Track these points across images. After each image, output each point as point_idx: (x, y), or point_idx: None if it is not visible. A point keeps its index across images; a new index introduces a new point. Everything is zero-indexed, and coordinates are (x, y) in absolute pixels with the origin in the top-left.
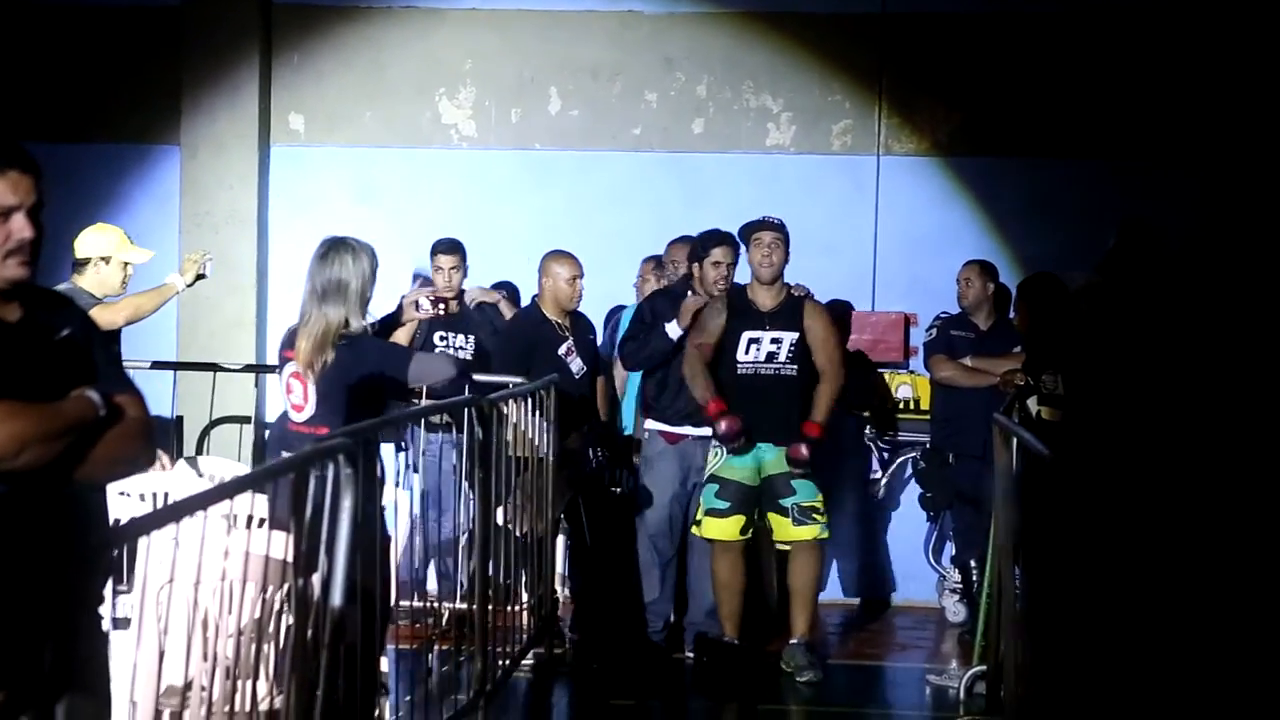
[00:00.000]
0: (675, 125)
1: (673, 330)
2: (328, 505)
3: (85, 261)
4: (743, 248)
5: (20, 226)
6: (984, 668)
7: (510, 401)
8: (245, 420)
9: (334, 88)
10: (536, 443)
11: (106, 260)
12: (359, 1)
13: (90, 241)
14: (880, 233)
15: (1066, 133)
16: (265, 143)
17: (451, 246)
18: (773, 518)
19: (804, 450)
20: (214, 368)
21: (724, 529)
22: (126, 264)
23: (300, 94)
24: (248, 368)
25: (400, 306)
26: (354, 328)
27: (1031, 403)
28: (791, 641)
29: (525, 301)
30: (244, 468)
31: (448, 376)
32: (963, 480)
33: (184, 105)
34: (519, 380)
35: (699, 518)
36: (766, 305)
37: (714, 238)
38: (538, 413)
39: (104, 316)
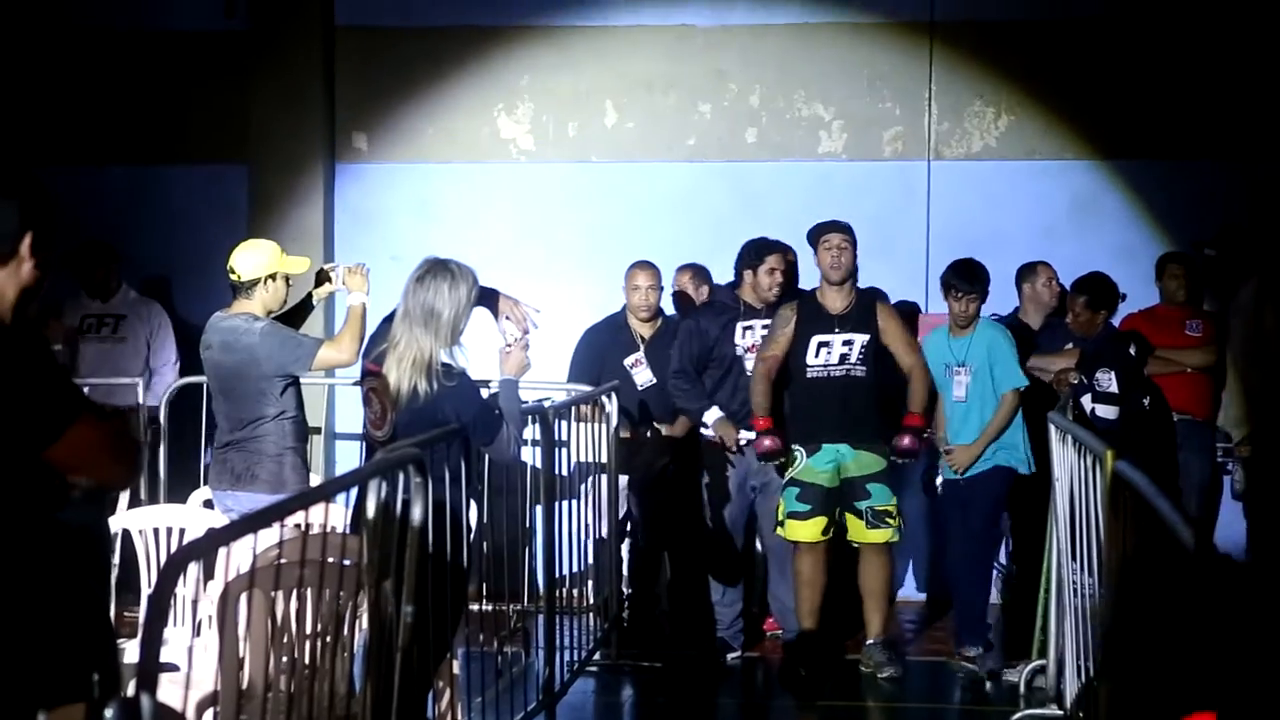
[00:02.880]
0: (729, 135)
1: (710, 416)
2: (398, 513)
3: (254, 283)
4: (812, 251)
5: None
6: (1043, 661)
7: (572, 409)
8: (316, 431)
9: (396, 106)
10: (596, 449)
11: (274, 277)
12: (419, 22)
13: (253, 261)
14: (932, 236)
15: (1113, 135)
16: (330, 161)
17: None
18: (849, 519)
19: (907, 441)
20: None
21: (807, 531)
22: (288, 277)
23: (363, 113)
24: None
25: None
26: (454, 364)
27: (1086, 400)
28: (869, 641)
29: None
30: (316, 477)
31: (512, 456)
32: None
33: (251, 126)
34: (584, 388)
35: (781, 519)
36: (836, 308)
37: (767, 246)
38: (596, 421)
39: (339, 357)
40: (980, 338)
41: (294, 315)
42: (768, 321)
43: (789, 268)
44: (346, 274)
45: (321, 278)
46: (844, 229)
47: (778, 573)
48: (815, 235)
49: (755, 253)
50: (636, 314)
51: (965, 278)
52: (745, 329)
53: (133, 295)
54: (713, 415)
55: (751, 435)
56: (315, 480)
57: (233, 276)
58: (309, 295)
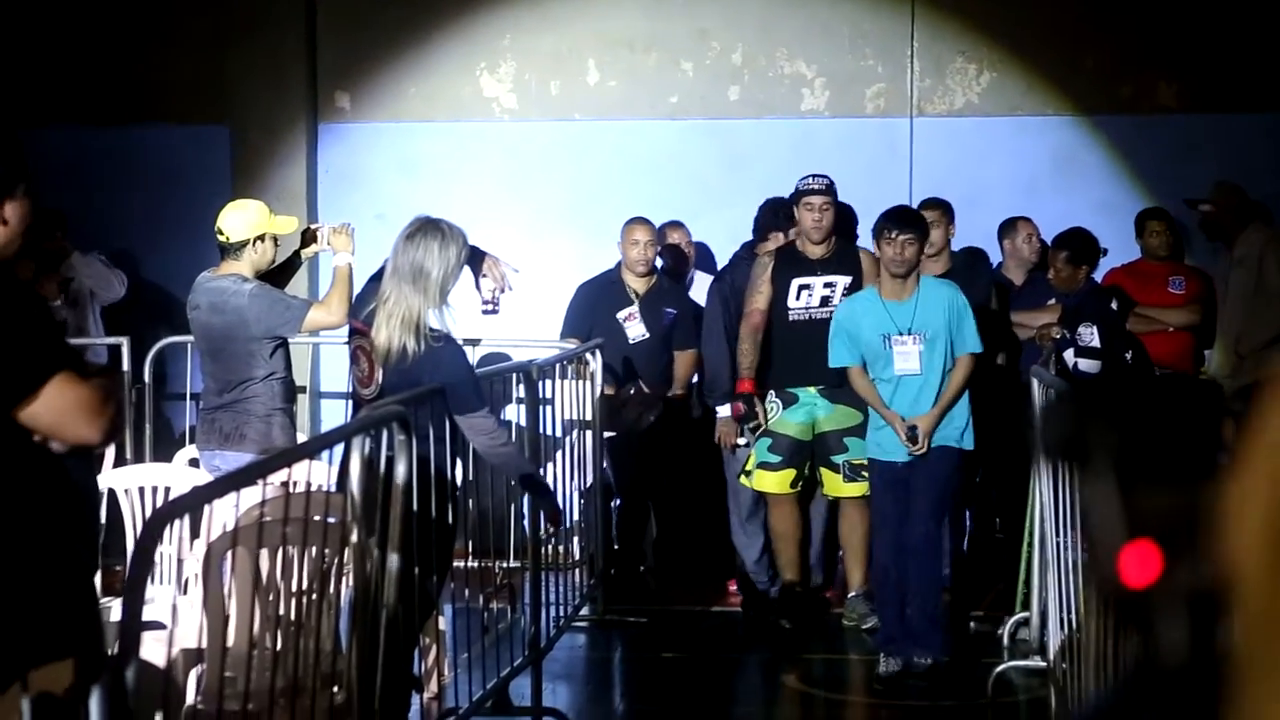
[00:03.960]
0: (712, 93)
1: (721, 411)
2: (382, 470)
3: (243, 244)
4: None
5: None
6: (1026, 614)
7: (555, 367)
8: (302, 391)
9: (378, 65)
10: (580, 406)
11: (261, 238)
12: None
13: (241, 222)
14: (915, 193)
15: (1094, 90)
16: (313, 120)
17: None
18: (824, 473)
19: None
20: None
21: (775, 482)
22: (276, 237)
23: (345, 72)
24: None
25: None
26: (442, 327)
27: (1068, 355)
28: (851, 594)
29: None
30: (302, 436)
31: (491, 448)
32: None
33: (231, 86)
34: (572, 344)
35: (749, 469)
36: (815, 254)
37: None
38: (581, 379)
39: (328, 319)
40: (933, 299)
41: (280, 274)
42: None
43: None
44: (332, 234)
45: (308, 238)
46: (825, 190)
47: (738, 523)
48: (797, 195)
49: (786, 214)
50: (634, 269)
51: (897, 219)
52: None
53: (75, 256)
54: (722, 412)
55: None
56: (302, 439)
57: (220, 237)
58: (295, 254)
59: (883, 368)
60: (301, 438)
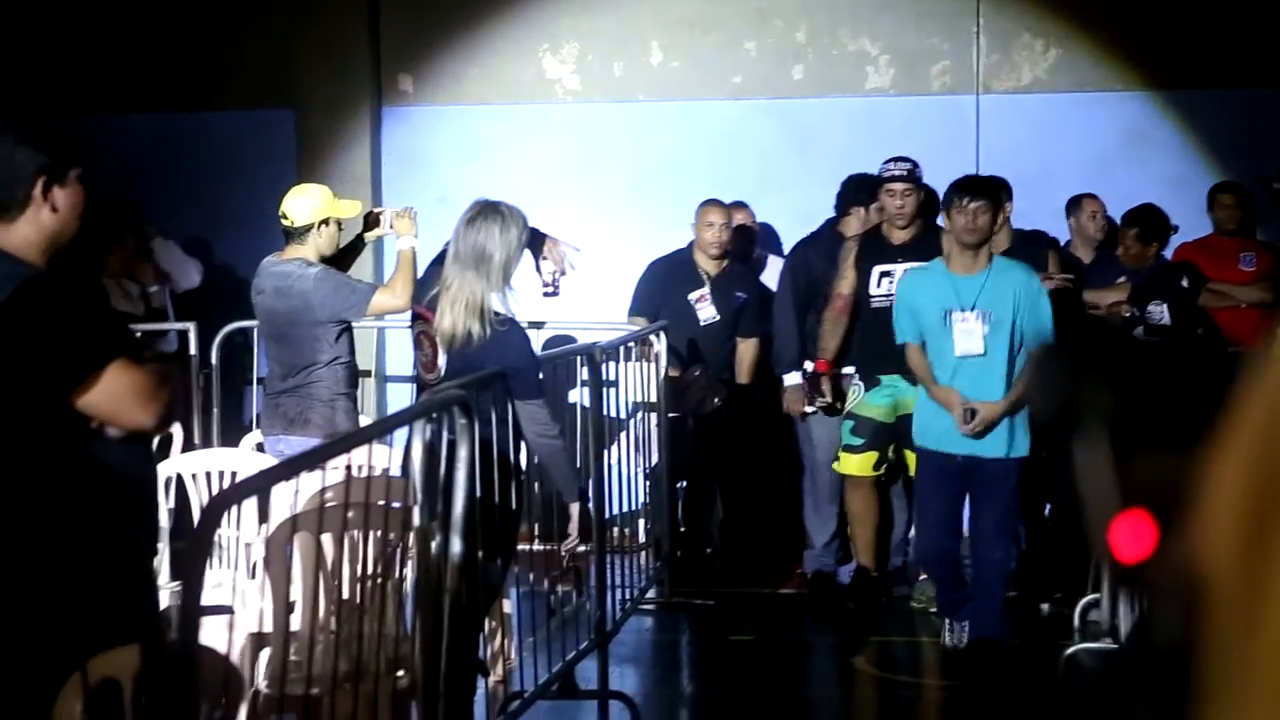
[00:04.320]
0: (775, 72)
1: (788, 380)
2: (445, 455)
3: (307, 229)
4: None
5: None
6: (1097, 595)
7: (619, 349)
8: (366, 375)
9: (441, 48)
10: (645, 388)
11: (326, 222)
12: None
13: (305, 206)
14: (981, 170)
15: (1164, 65)
16: (377, 104)
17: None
18: (908, 454)
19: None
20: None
21: (858, 464)
22: (340, 221)
23: (409, 55)
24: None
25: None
26: (506, 311)
27: (1139, 333)
28: (921, 577)
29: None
30: (367, 420)
31: (541, 438)
32: None
33: (297, 70)
34: (637, 325)
35: (837, 454)
36: (899, 239)
37: (880, 182)
38: (645, 360)
39: (393, 302)
40: (1004, 279)
41: (344, 258)
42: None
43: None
44: (395, 218)
45: (371, 221)
46: (908, 176)
47: (812, 505)
48: (880, 180)
49: (869, 190)
50: (707, 251)
51: (967, 187)
52: None
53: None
54: (790, 380)
55: (851, 370)
56: (366, 424)
57: (285, 222)
58: (358, 237)
59: (942, 347)
60: (366, 422)
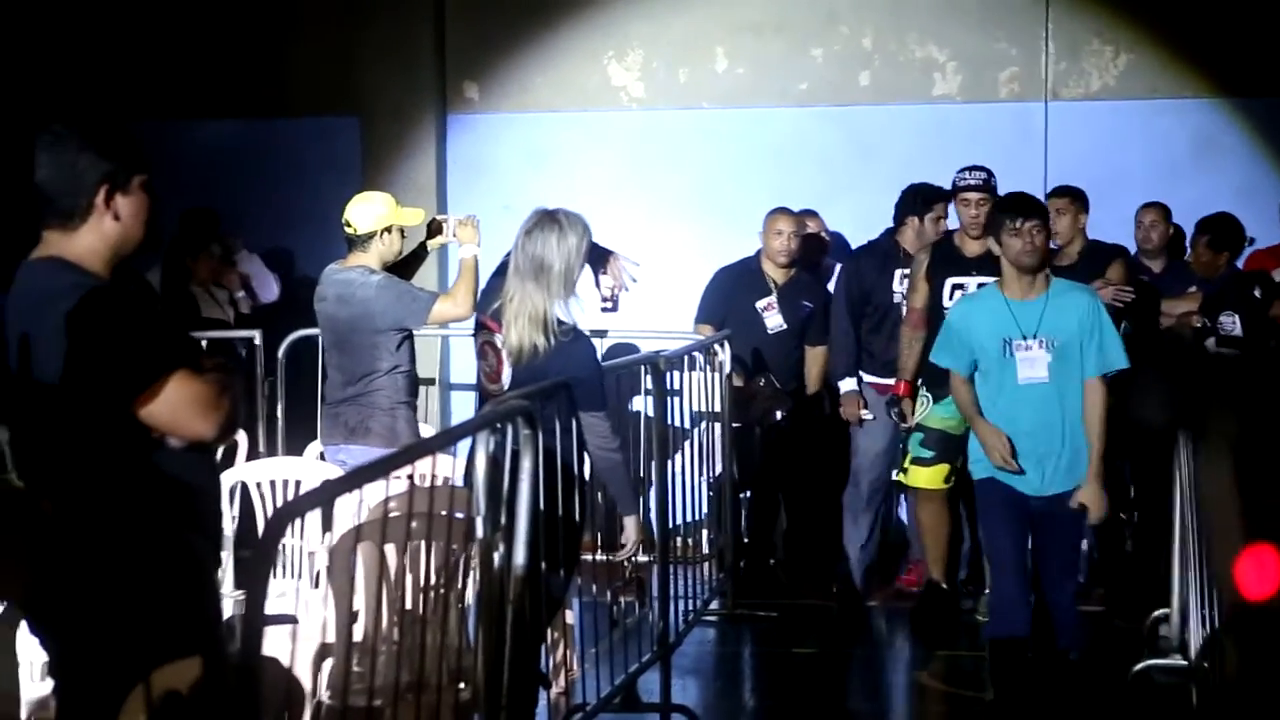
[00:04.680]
0: (841, 79)
1: (844, 386)
2: (508, 465)
3: (370, 236)
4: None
5: None
6: (1166, 610)
7: (684, 358)
8: (430, 383)
9: (506, 55)
10: (709, 398)
11: (389, 230)
12: None
13: (368, 214)
14: (1050, 179)
15: (1235, 71)
16: (441, 111)
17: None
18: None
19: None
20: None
21: (928, 477)
22: (403, 229)
23: (474, 62)
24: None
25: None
26: (570, 321)
27: (1210, 344)
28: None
29: None
30: (430, 429)
31: (601, 450)
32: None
33: (362, 77)
34: (701, 334)
35: (905, 466)
36: (973, 251)
37: (936, 193)
38: (709, 369)
39: (454, 311)
40: (1067, 302)
41: (407, 266)
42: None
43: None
44: (458, 226)
45: (434, 229)
46: (983, 186)
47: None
48: (955, 189)
49: (923, 200)
50: (775, 259)
51: (1020, 206)
52: (904, 276)
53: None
54: (846, 386)
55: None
56: (427, 432)
57: (348, 229)
58: (421, 245)
59: (1003, 377)
60: (429, 430)
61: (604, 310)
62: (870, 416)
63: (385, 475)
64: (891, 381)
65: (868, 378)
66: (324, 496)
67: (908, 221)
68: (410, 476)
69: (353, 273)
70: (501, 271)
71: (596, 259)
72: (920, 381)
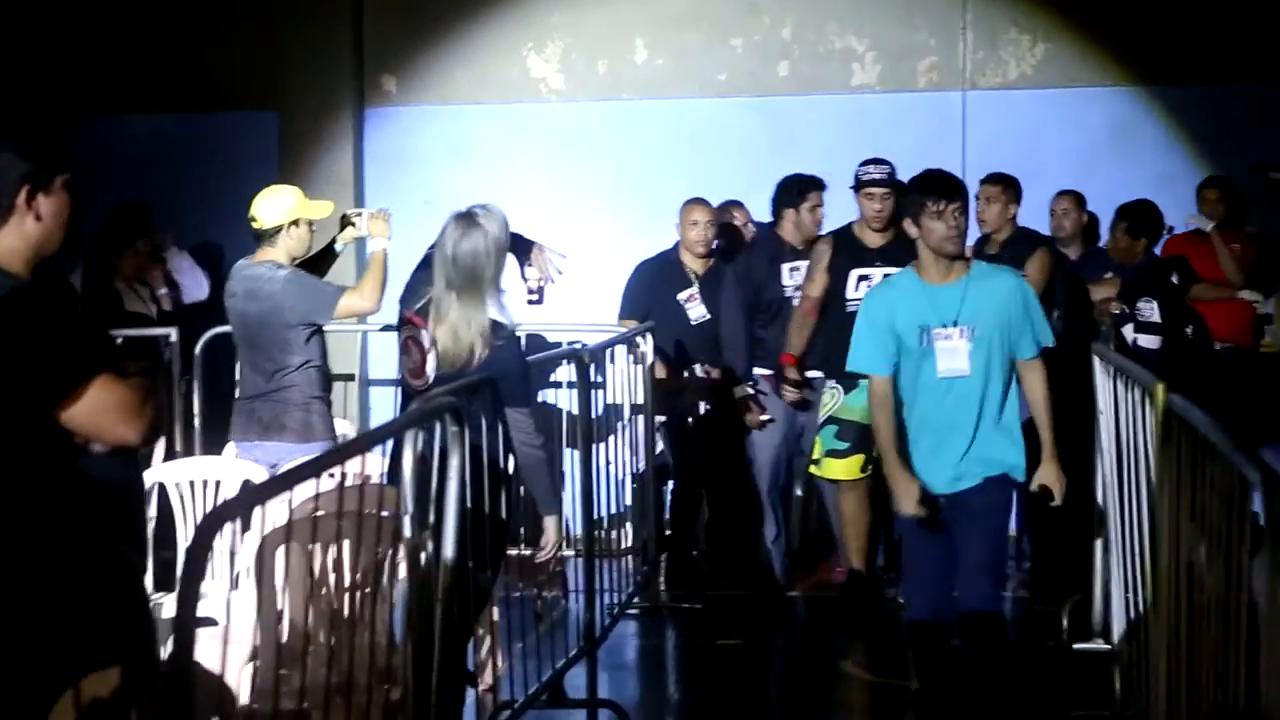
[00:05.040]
0: (761, 69)
1: (737, 393)
2: (436, 463)
3: (276, 231)
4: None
5: None
6: (1078, 596)
7: (607, 350)
8: (350, 379)
9: (424, 47)
10: (632, 390)
11: (296, 224)
12: None
13: (274, 208)
14: (968, 168)
15: (1151, 60)
16: (360, 104)
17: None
18: None
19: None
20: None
21: (845, 469)
22: (311, 222)
23: (392, 55)
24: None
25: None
26: (502, 320)
27: (1128, 330)
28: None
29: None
30: (347, 424)
31: (525, 446)
32: None
33: (280, 71)
34: (625, 326)
35: (817, 457)
36: (875, 243)
37: (809, 182)
38: (633, 360)
39: (362, 304)
40: (989, 286)
41: (318, 262)
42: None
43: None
44: (369, 219)
45: (345, 223)
46: (887, 181)
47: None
48: (858, 185)
49: (797, 190)
50: (693, 249)
51: (941, 186)
52: (791, 269)
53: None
54: (739, 393)
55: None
56: (341, 426)
57: (255, 224)
58: (332, 242)
59: (920, 370)
60: (347, 425)
61: (530, 303)
62: (767, 417)
63: (317, 475)
64: (809, 375)
65: (763, 372)
66: (258, 498)
67: (785, 214)
68: (334, 475)
69: (260, 268)
70: (425, 264)
71: (521, 251)
72: (823, 373)
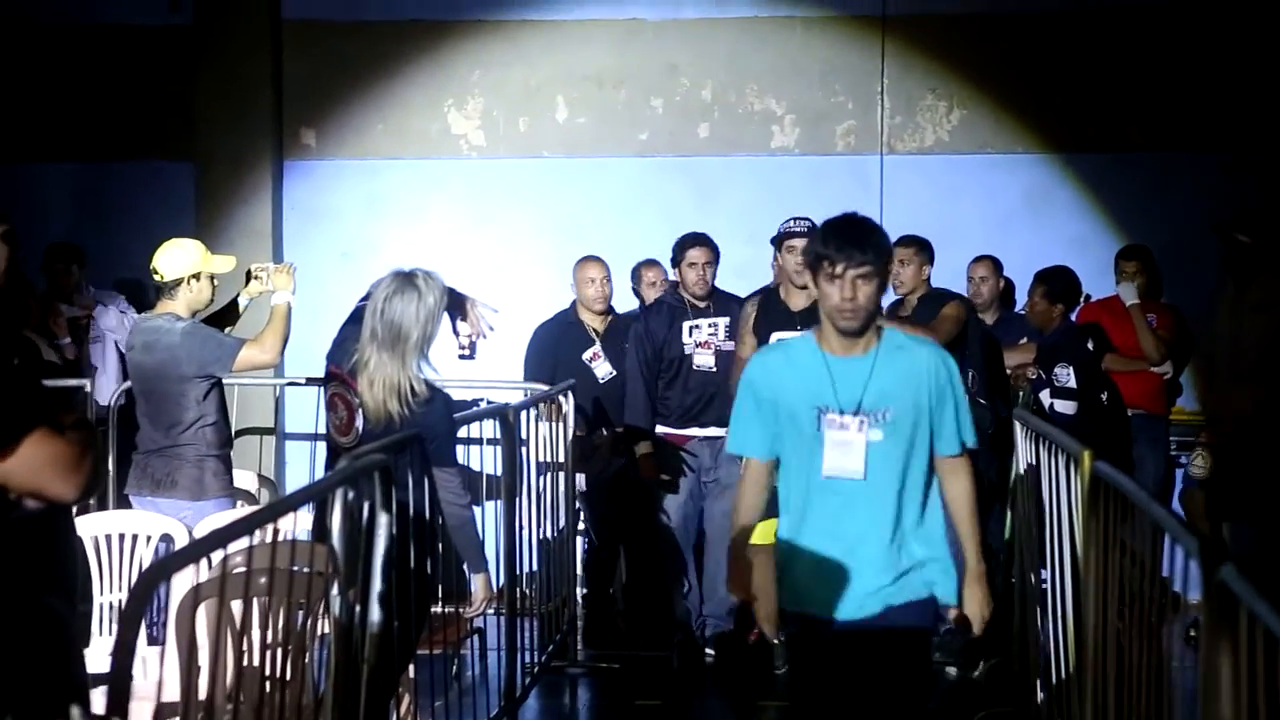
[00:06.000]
0: (681, 130)
1: (639, 449)
2: (364, 522)
3: (177, 283)
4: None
5: None
6: (995, 659)
7: (528, 409)
8: (268, 432)
9: (344, 102)
10: (552, 448)
11: (197, 277)
12: (367, 17)
13: (175, 261)
14: (886, 230)
15: (1064, 128)
16: (278, 157)
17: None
18: None
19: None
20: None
21: (760, 533)
22: (213, 276)
23: (311, 109)
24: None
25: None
26: (428, 380)
27: (1044, 395)
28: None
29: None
30: (248, 476)
31: (452, 505)
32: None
33: (197, 122)
34: (541, 387)
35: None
36: (799, 305)
37: (690, 240)
38: (553, 420)
39: (262, 357)
40: (904, 361)
41: (223, 317)
42: (714, 319)
43: (713, 261)
44: (274, 273)
45: (250, 277)
46: (809, 234)
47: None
48: (780, 239)
49: (679, 247)
50: (591, 307)
51: (842, 240)
52: (692, 327)
53: (93, 292)
54: (641, 449)
55: (701, 432)
56: (244, 479)
57: (156, 276)
58: (236, 297)
59: (811, 463)
60: (249, 478)
61: (461, 358)
62: (667, 477)
63: (250, 533)
64: (689, 432)
65: (666, 430)
66: (193, 555)
67: (678, 271)
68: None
69: (159, 320)
70: (355, 319)
71: (454, 305)
72: None
